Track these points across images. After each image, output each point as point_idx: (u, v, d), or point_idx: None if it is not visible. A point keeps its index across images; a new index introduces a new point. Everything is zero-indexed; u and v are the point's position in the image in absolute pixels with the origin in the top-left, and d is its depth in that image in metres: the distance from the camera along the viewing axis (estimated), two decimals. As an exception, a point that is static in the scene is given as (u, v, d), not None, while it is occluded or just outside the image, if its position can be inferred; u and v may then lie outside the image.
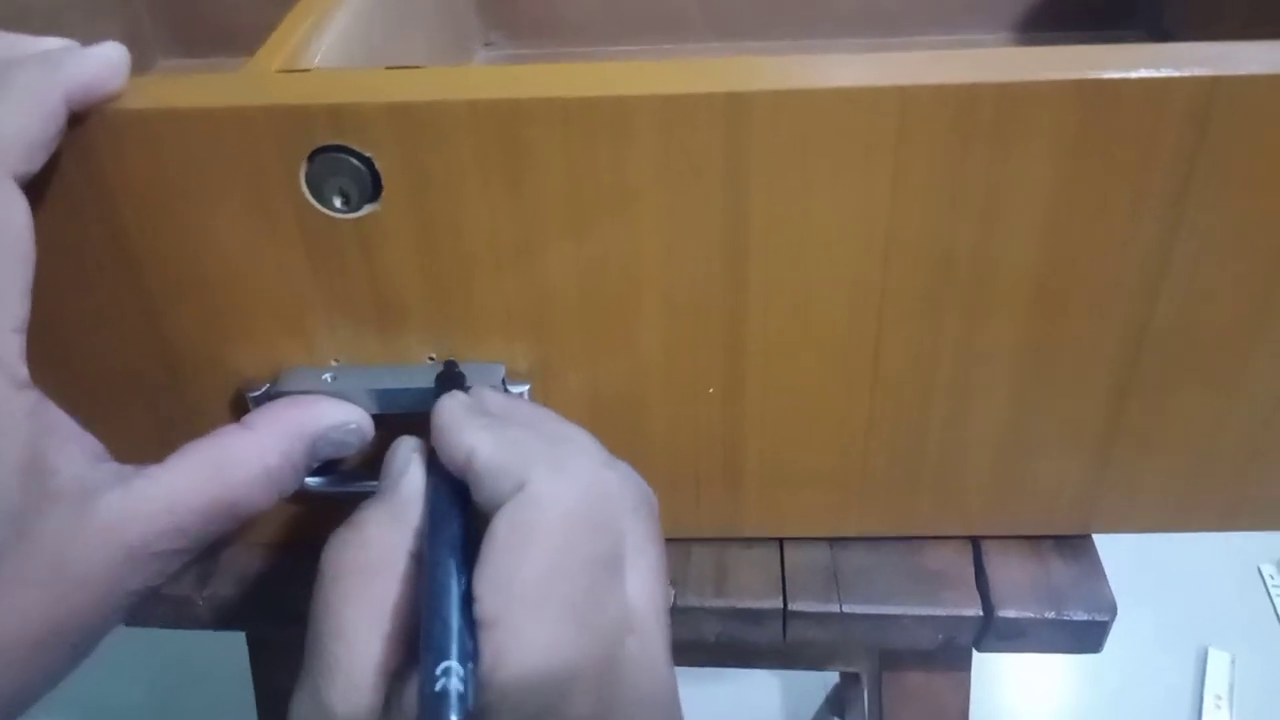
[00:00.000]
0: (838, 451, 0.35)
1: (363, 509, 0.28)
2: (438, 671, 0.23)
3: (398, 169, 0.29)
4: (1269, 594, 0.80)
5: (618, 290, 0.31)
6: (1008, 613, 0.36)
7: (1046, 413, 0.33)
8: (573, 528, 0.25)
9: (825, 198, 0.29)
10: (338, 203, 0.30)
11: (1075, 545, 0.38)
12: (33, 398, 0.26)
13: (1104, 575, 0.37)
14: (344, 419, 0.31)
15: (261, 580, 0.36)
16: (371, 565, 0.26)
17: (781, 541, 0.38)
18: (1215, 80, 0.27)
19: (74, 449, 0.27)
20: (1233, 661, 0.77)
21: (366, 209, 0.29)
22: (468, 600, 0.24)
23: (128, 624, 0.37)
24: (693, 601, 0.36)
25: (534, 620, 0.23)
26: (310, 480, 0.32)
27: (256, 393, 0.32)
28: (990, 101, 0.27)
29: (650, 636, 0.26)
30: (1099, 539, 0.38)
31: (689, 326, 0.32)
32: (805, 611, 0.36)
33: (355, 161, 0.29)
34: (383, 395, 0.32)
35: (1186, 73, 0.27)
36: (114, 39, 0.28)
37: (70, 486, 0.26)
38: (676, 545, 0.38)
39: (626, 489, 0.27)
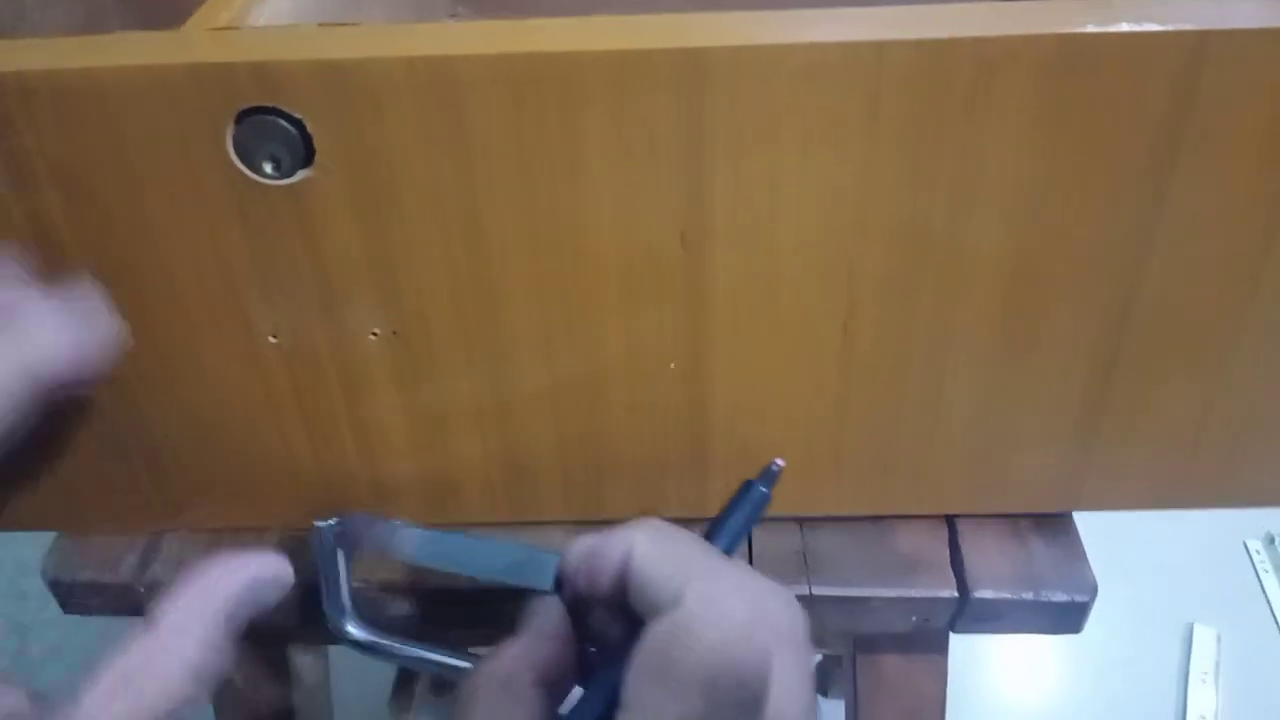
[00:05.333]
0: (807, 432, 0.33)
1: (505, 643, 0.28)
2: None
3: (331, 132, 0.27)
4: (1255, 570, 0.80)
5: (571, 264, 0.29)
6: (984, 594, 0.35)
7: (1025, 394, 0.32)
8: (720, 662, 0.24)
9: (792, 166, 0.27)
10: (268, 168, 0.28)
11: (1055, 524, 0.36)
12: None
13: (1084, 555, 0.35)
14: (256, 575, 0.28)
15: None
16: (505, 694, 0.27)
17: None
18: (1203, 36, 0.25)
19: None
20: (1219, 638, 0.77)
21: (300, 175, 0.28)
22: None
23: (69, 611, 0.36)
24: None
25: None
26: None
27: (325, 524, 0.31)
28: (967, 58, 0.25)
29: None
30: (1083, 515, 0.37)
31: (649, 303, 0.30)
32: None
33: (285, 124, 0.27)
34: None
35: (1172, 27, 0.25)
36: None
37: None
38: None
39: (780, 613, 0.26)
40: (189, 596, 0.28)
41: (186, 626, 0.27)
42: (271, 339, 0.31)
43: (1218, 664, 0.75)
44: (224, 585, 0.28)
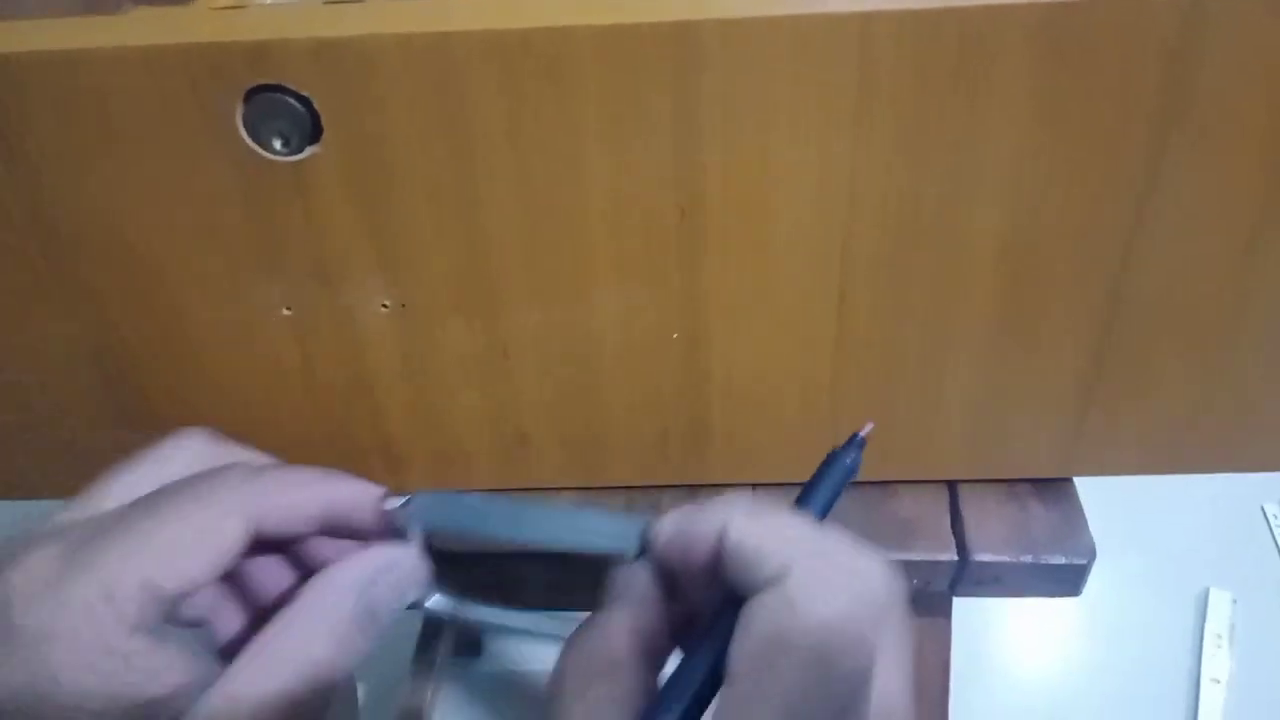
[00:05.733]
0: (806, 402, 0.34)
1: (597, 612, 0.28)
2: None
3: (336, 110, 0.27)
4: (1272, 533, 0.80)
5: (570, 237, 0.30)
6: (983, 557, 0.35)
7: (1022, 364, 0.32)
8: (833, 642, 0.23)
9: (783, 138, 0.28)
10: (278, 145, 0.28)
11: (1055, 488, 0.37)
12: (146, 642, 0.26)
13: (1084, 518, 0.36)
14: (383, 565, 0.29)
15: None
16: (602, 665, 0.26)
17: (754, 486, 0.37)
18: (1196, 2, 0.25)
19: (162, 679, 0.26)
20: (1234, 601, 0.77)
21: (308, 151, 0.28)
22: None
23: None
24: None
25: None
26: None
27: (397, 502, 0.31)
28: (953, 29, 0.26)
29: None
30: (1100, 481, 0.37)
31: (644, 278, 0.31)
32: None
33: (294, 101, 0.28)
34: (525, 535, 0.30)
35: (1161, -6, 0.25)
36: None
37: (164, 712, 0.26)
38: (646, 492, 0.37)
39: (885, 586, 0.25)
40: (328, 582, 0.29)
41: (324, 608, 0.28)
42: (285, 311, 0.32)
43: (1232, 628, 0.75)
44: (361, 573, 0.29)
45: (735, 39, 0.26)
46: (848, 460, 0.30)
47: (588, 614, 0.29)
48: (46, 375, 0.33)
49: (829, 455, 0.30)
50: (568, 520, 0.30)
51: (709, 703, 0.25)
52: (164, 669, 0.26)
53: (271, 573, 0.31)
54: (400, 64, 0.27)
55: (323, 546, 0.31)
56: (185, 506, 0.27)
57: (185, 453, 0.30)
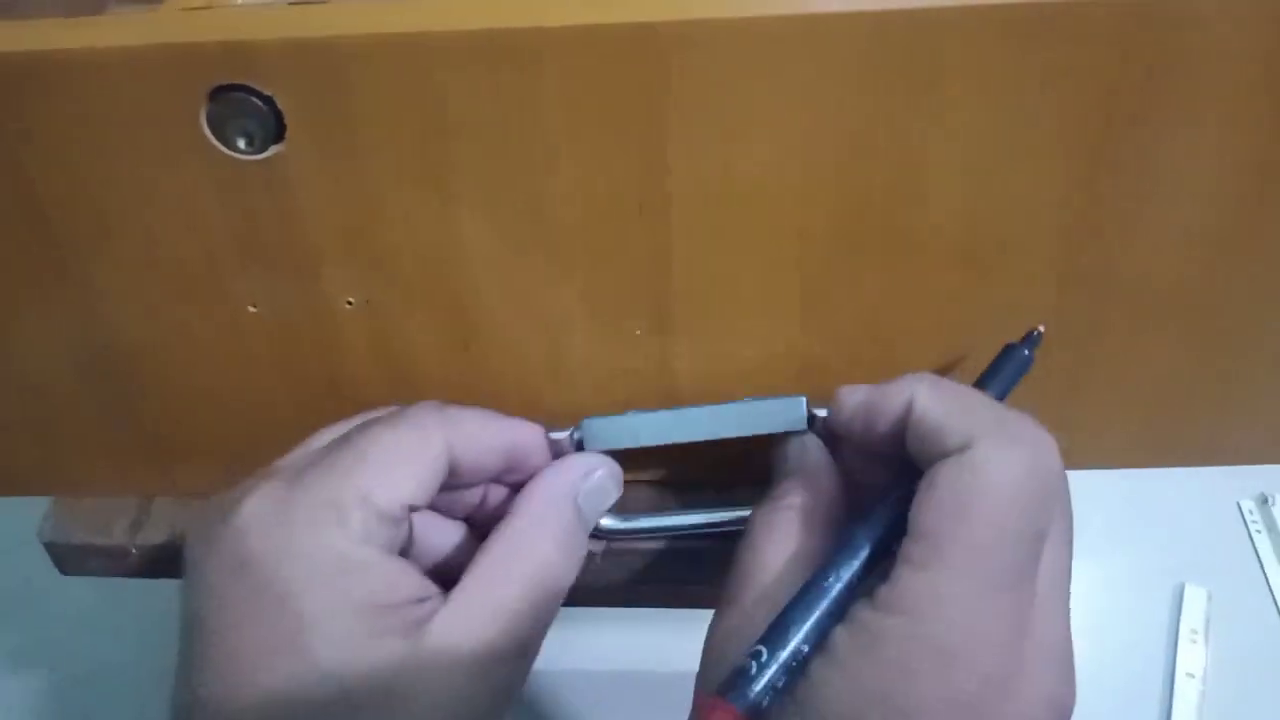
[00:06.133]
0: (773, 390, 0.34)
1: (776, 484, 0.31)
2: (752, 649, 0.26)
3: (300, 109, 0.28)
4: (1248, 531, 0.80)
5: (534, 233, 0.30)
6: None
7: (977, 352, 0.32)
8: (1015, 505, 0.25)
9: (744, 132, 0.28)
10: (242, 144, 0.29)
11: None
12: (376, 554, 0.27)
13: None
14: (587, 469, 0.32)
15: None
16: (794, 526, 0.29)
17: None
18: (1140, 2, 0.26)
19: (400, 588, 0.27)
20: (1210, 597, 0.77)
21: (272, 150, 0.29)
22: (851, 588, 0.27)
23: (66, 572, 0.37)
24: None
25: (956, 580, 0.25)
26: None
27: (561, 435, 0.32)
28: (910, 30, 0.26)
29: (1052, 611, 0.26)
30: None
31: (610, 272, 0.31)
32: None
33: (257, 101, 0.28)
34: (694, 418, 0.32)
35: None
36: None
37: (401, 623, 0.27)
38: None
39: (1056, 466, 0.27)
40: (535, 491, 0.31)
41: (543, 514, 0.30)
42: (251, 308, 0.32)
43: (1208, 623, 0.76)
44: (571, 478, 0.31)
45: (695, 40, 0.26)
46: (1025, 352, 0.31)
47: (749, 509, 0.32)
48: (32, 371, 0.34)
49: (1005, 347, 0.31)
50: (733, 411, 0.32)
51: (880, 560, 0.27)
52: (398, 578, 0.27)
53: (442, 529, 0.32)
54: (365, 64, 0.27)
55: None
56: (395, 430, 0.29)
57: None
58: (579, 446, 0.32)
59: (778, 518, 0.30)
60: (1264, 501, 0.80)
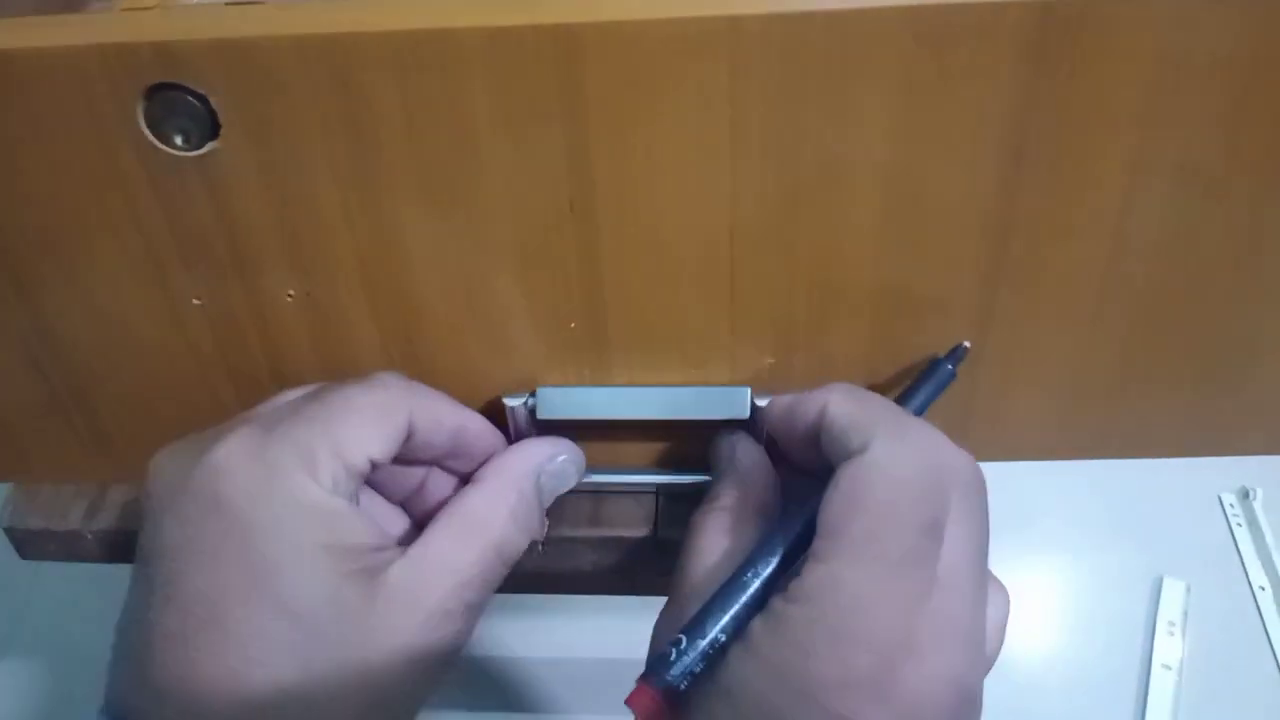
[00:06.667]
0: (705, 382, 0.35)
1: (713, 485, 0.33)
2: (674, 637, 0.28)
3: (233, 107, 0.29)
4: (1228, 523, 0.80)
5: (467, 229, 0.31)
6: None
7: (907, 347, 0.33)
8: (905, 495, 0.27)
9: (666, 132, 0.29)
10: (179, 140, 0.29)
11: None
12: (344, 504, 0.29)
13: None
14: (552, 452, 0.34)
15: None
16: (725, 525, 0.31)
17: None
18: (1047, 6, 0.26)
19: (363, 534, 0.29)
20: (1188, 589, 0.78)
21: (208, 147, 0.29)
22: (770, 583, 0.29)
23: (25, 557, 0.38)
24: (566, 532, 0.36)
25: (851, 567, 0.26)
26: None
27: (515, 402, 0.34)
28: (820, 31, 0.27)
29: (954, 594, 0.27)
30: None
31: (543, 268, 0.32)
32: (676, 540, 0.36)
33: (192, 99, 0.29)
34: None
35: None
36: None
37: (363, 567, 0.28)
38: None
39: (959, 464, 0.29)
40: (501, 462, 0.33)
41: (505, 481, 0.32)
42: (195, 301, 0.33)
43: (1186, 615, 0.76)
44: (529, 455, 0.33)
45: (613, 40, 0.27)
46: (948, 366, 0.33)
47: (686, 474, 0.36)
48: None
49: (931, 361, 0.33)
50: (682, 394, 0.34)
51: (798, 557, 0.29)
52: (361, 526, 0.29)
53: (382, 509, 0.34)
54: (296, 64, 0.28)
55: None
56: (365, 392, 0.30)
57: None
58: (532, 413, 0.34)
59: (711, 519, 0.32)
60: (1245, 495, 0.81)
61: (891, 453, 0.28)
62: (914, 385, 0.33)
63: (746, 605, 0.28)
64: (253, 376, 0.34)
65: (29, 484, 0.38)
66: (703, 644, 0.28)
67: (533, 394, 0.34)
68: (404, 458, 0.32)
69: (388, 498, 0.34)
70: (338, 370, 0.34)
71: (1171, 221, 0.30)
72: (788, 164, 0.29)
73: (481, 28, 0.27)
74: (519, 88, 0.28)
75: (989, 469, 0.30)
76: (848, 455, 0.28)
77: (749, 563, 0.29)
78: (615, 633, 0.73)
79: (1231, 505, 0.81)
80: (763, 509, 0.32)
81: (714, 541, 0.31)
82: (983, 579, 0.28)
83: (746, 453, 0.34)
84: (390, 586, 0.28)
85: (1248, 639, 0.73)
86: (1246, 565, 0.78)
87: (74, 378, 0.35)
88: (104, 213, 0.31)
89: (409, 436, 0.31)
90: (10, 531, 0.37)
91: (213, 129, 0.29)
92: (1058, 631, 0.76)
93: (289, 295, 0.32)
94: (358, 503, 0.30)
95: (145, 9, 0.32)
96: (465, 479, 0.34)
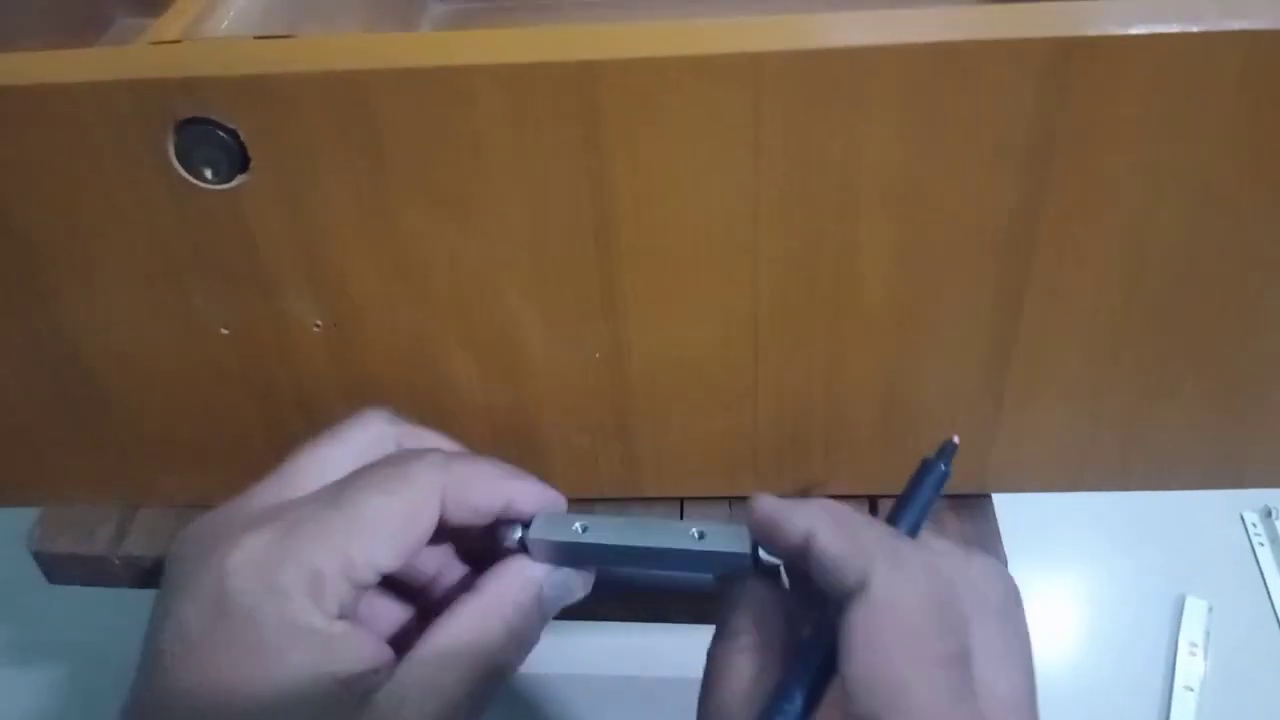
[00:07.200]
0: (727, 414, 0.35)
1: (726, 617, 0.31)
2: None
3: (261, 140, 0.29)
4: (1250, 543, 0.80)
5: (489, 261, 0.31)
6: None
7: (927, 376, 0.33)
8: (919, 631, 0.26)
9: (688, 167, 0.29)
10: (208, 174, 0.30)
11: (972, 504, 0.37)
12: (345, 626, 0.28)
13: (998, 533, 0.37)
14: (565, 577, 0.32)
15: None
16: (748, 663, 0.30)
17: (682, 501, 0.38)
18: (1067, 42, 0.26)
19: (356, 658, 0.28)
20: (1210, 609, 0.77)
21: (237, 180, 0.30)
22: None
23: (53, 581, 0.39)
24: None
25: (910, 702, 0.25)
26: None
27: (516, 536, 0.32)
28: (841, 66, 0.27)
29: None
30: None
31: (565, 298, 0.32)
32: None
33: (221, 133, 0.29)
34: (639, 552, 0.32)
35: (1038, 35, 0.26)
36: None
37: (352, 692, 0.28)
38: (579, 504, 0.38)
39: (976, 583, 0.28)
40: (502, 573, 0.31)
41: (503, 594, 0.31)
42: (223, 331, 0.33)
43: (1208, 635, 0.75)
44: (539, 568, 0.31)
45: (635, 77, 0.27)
46: (940, 467, 0.31)
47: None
48: (8, 387, 0.35)
49: (922, 463, 0.32)
50: (680, 547, 0.31)
51: (822, 686, 0.28)
52: (360, 649, 0.28)
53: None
54: (320, 98, 0.28)
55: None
56: (385, 496, 0.29)
57: (367, 434, 0.32)
58: (521, 545, 0.32)
59: (733, 659, 0.30)
60: (1268, 514, 0.80)
61: (892, 587, 0.27)
62: (907, 494, 0.31)
63: None
64: (277, 401, 0.35)
65: (53, 505, 0.39)
66: None
67: (527, 525, 0.32)
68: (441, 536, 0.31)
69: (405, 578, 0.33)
70: (362, 398, 0.34)
71: (1192, 245, 0.30)
72: (808, 194, 0.29)
73: (503, 65, 0.27)
74: (540, 123, 0.28)
75: (1009, 496, 0.29)
76: (845, 592, 0.27)
77: (781, 700, 0.28)
78: (622, 650, 0.73)
79: (1254, 525, 0.80)
80: (783, 645, 0.30)
81: (737, 684, 0.29)
82: (1029, 698, 0.28)
83: (759, 589, 0.31)
84: (377, 711, 0.27)
85: (1271, 660, 0.73)
86: (1269, 585, 0.77)
87: (100, 401, 0.35)
88: (132, 242, 0.31)
89: (441, 523, 0.30)
90: (39, 556, 0.38)
91: (242, 162, 0.29)
92: (1078, 652, 0.76)
93: (315, 325, 0.33)
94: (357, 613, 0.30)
95: (172, 42, 0.32)
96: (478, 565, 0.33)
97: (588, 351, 0.33)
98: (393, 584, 0.33)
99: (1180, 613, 0.75)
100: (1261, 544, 0.79)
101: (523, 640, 0.30)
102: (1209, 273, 0.31)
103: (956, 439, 0.32)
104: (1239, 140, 0.28)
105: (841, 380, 0.34)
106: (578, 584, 0.33)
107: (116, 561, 0.37)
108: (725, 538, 0.31)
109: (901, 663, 0.26)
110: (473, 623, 0.30)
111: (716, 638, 0.31)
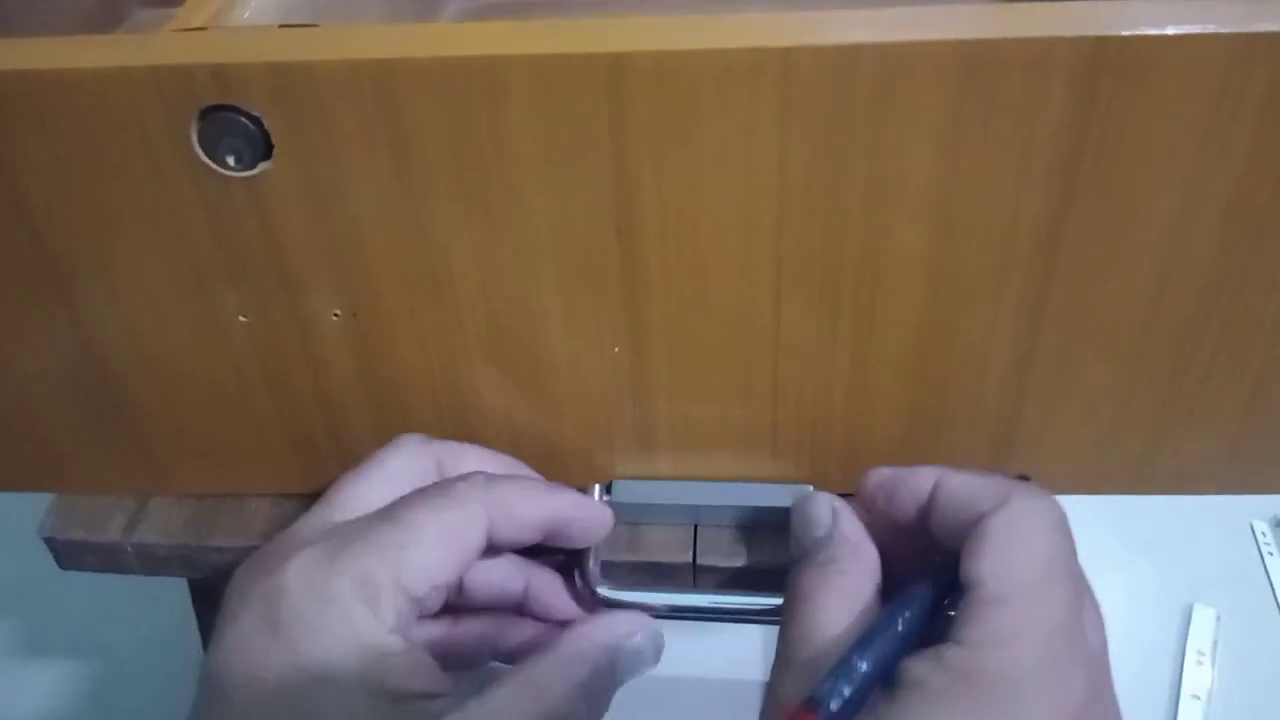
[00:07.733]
0: (747, 415, 0.35)
1: (810, 547, 0.31)
2: (830, 682, 0.27)
3: (286, 129, 0.29)
4: (1260, 552, 0.79)
5: (511, 253, 0.31)
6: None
7: (948, 381, 0.33)
8: (1063, 538, 0.28)
9: (713, 163, 0.29)
10: (231, 161, 0.30)
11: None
12: (401, 642, 0.28)
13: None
14: (632, 629, 0.32)
15: (187, 530, 0.37)
16: (844, 586, 0.30)
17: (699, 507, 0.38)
18: (1099, 41, 0.26)
19: (412, 678, 0.28)
20: (1218, 618, 0.77)
21: (260, 167, 0.30)
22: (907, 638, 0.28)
23: (65, 567, 0.39)
24: (604, 556, 0.36)
25: (1043, 601, 0.26)
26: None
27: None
28: (870, 63, 0.27)
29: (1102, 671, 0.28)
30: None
31: (588, 291, 0.32)
32: (714, 566, 0.36)
33: (245, 121, 0.29)
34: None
35: (1070, 33, 0.26)
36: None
37: (406, 715, 0.27)
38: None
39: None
40: (588, 632, 0.31)
41: (579, 659, 0.30)
42: (241, 319, 0.33)
43: (1216, 644, 0.75)
44: (616, 631, 0.32)
45: (665, 70, 0.27)
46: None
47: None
48: (28, 376, 0.35)
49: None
50: (753, 490, 0.33)
51: (933, 617, 0.29)
52: (415, 670, 0.28)
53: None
54: (346, 87, 0.28)
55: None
56: (438, 512, 0.30)
57: (406, 456, 0.33)
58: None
59: (831, 581, 0.30)
60: (1277, 524, 0.80)
61: (1033, 507, 0.28)
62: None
63: (894, 653, 0.27)
64: (295, 393, 0.35)
65: (68, 494, 0.39)
66: (853, 688, 0.27)
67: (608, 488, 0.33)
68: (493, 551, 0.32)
69: (472, 598, 0.34)
70: (382, 394, 0.34)
71: (1219, 258, 0.30)
72: (833, 193, 0.29)
73: (530, 55, 0.27)
74: (568, 115, 0.28)
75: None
76: (980, 515, 0.28)
77: (892, 616, 0.28)
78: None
79: (1264, 533, 0.80)
80: (874, 574, 0.31)
81: (837, 604, 0.29)
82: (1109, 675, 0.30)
83: (851, 520, 0.32)
84: None
85: (1278, 670, 0.73)
86: (1278, 594, 0.77)
87: (116, 391, 0.35)
88: (152, 230, 0.31)
89: (489, 542, 0.30)
90: (50, 542, 0.38)
91: (265, 150, 0.29)
92: (1085, 658, 0.75)
93: (334, 315, 0.33)
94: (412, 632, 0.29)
95: (197, 29, 0.32)
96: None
97: (607, 347, 0.33)
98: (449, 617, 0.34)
99: (1188, 621, 0.75)
100: (1271, 553, 0.79)
101: (594, 704, 0.30)
102: (1235, 285, 0.31)
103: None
104: (1271, 151, 0.28)
105: (862, 391, 0.34)
106: (651, 653, 0.32)
107: (129, 549, 0.37)
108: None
109: (1036, 563, 0.27)
110: (550, 675, 0.30)
111: (804, 561, 0.31)
